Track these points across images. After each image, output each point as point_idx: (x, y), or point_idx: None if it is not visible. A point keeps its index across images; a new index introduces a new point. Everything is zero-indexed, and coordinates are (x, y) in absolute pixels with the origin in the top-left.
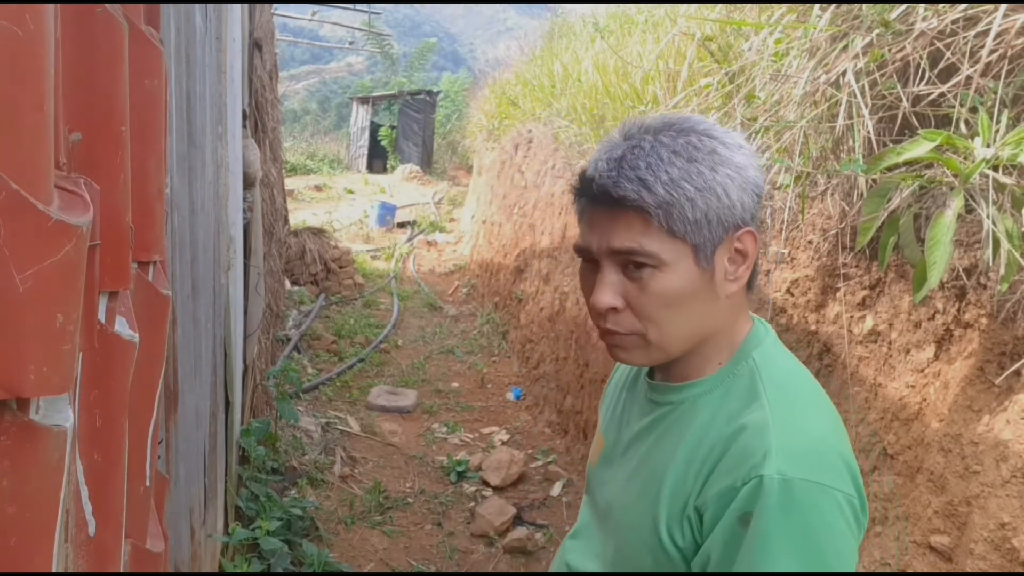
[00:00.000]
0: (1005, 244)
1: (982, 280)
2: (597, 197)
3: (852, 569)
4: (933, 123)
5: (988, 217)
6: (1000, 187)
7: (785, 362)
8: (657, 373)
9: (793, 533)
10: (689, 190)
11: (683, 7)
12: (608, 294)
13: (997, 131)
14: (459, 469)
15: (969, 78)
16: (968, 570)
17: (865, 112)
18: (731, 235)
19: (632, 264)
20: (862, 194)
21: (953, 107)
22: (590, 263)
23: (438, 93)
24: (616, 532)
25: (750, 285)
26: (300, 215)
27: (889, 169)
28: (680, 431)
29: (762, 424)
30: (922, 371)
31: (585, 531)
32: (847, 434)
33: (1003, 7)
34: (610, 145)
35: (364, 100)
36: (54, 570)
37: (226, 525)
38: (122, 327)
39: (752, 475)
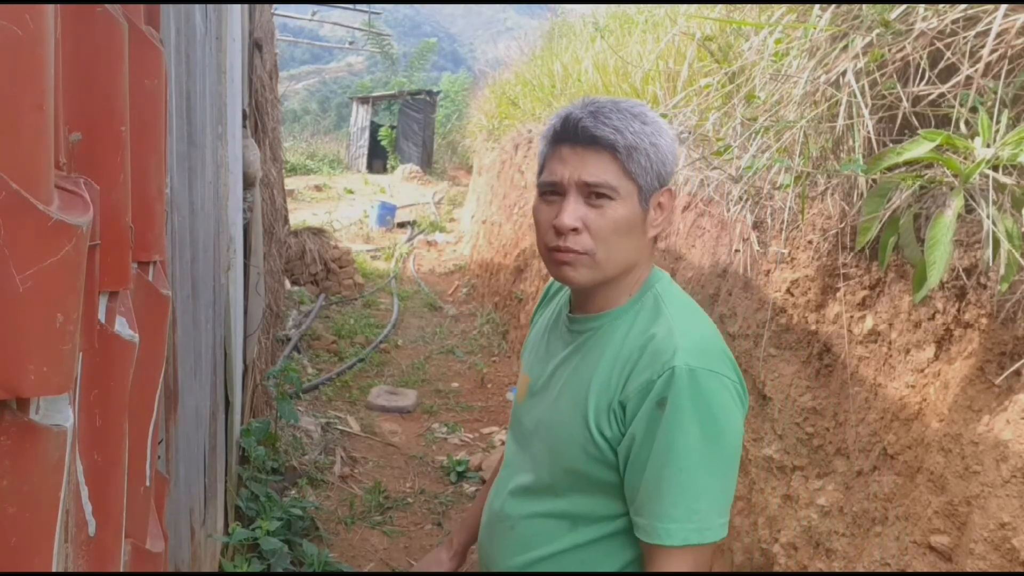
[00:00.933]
0: (1005, 244)
1: (982, 280)
2: (578, 136)
3: (740, 436)
4: (933, 123)
5: (988, 217)
6: (1000, 187)
7: (678, 292)
8: (576, 309)
9: (699, 410)
10: (646, 143)
11: (683, 7)
12: (573, 216)
13: (997, 131)
14: (459, 469)
15: (969, 78)
16: (968, 570)
17: (865, 112)
18: (660, 189)
19: (595, 194)
20: (862, 194)
21: (953, 107)
22: (552, 196)
23: (438, 93)
24: (547, 439)
25: (658, 238)
26: (300, 215)
27: (889, 169)
28: (600, 348)
29: (668, 332)
30: (922, 371)
31: (512, 460)
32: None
33: (1003, 7)
34: (580, 105)
35: (364, 100)
36: (54, 570)
37: (226, 525)
38: (122, 327)
39: (665, 368)
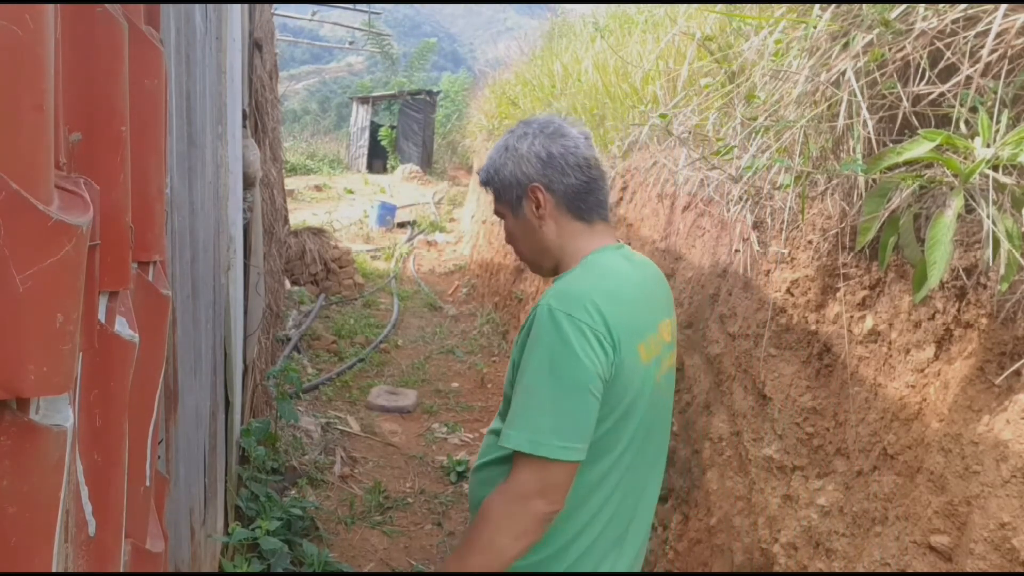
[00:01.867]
0: (1005, 244)
1: (982, 280)
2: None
3: (587, 372)
4: (933, 123)
5: (988, 217)
6: (1000, 187)
7: (600, 261)
8: None
9: (550, 342)
10: (495, 170)
11: (683, 7)
12: (506, 237)
13: (997, 131)
14: (459, 469)
15: (969, 78)
16: (968, 570)
17: (865, 112)
18: (525, 192)
19: (502, 219)
20: (862, 194)
21: (953, 107)
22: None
23: (438, 93)
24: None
25: (588, 218)
26: (300, 215)
27: (889, 169)
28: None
29: (554, 285)
30: (922, 371)
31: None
32: (622, 302)
33: (1003, 7)
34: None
35: (364, 100)
36: (54, 570)
37: (226, 525)
38: (122, 327)
39: (538, 307)
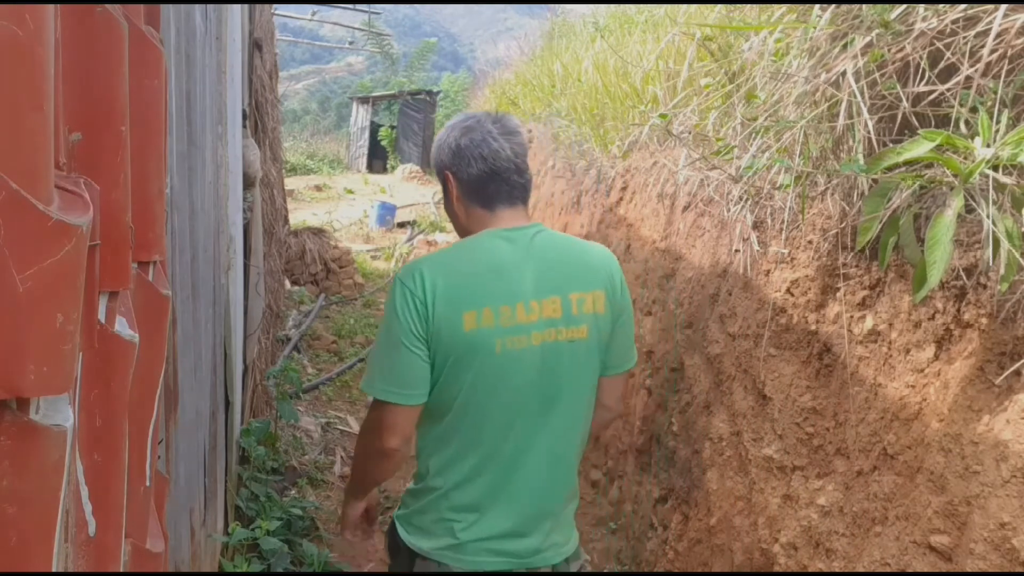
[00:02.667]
0: (1005, 244)
1: (982, 280)
2: None
3: (400, 325)
4: (933, 123)
5: (988, 217)
6: (1000, 187)
7: (476, 241)
8: None
9: (387, 301)
10: (431, 157)
11: (683, 7)
12: None
13: (997, 131)
14: None
15: (969, 78)
16: (968, 570)
17: (865, 112)
18: (444, 176)
19: None
20: (862, 194)
21: (953, 107)
22: None
23: (438, 93)
24: None
25: (488, 205)
26: (300, 215)
27: (889, 169)
28: None
29: None
30: (922, 371)
31: None
32: (458, 275)
33: (1003, 7)
34: None
35: (364, 100)
36: (54, 570)
37: (226, 525)
38: (122, 327)
39: None
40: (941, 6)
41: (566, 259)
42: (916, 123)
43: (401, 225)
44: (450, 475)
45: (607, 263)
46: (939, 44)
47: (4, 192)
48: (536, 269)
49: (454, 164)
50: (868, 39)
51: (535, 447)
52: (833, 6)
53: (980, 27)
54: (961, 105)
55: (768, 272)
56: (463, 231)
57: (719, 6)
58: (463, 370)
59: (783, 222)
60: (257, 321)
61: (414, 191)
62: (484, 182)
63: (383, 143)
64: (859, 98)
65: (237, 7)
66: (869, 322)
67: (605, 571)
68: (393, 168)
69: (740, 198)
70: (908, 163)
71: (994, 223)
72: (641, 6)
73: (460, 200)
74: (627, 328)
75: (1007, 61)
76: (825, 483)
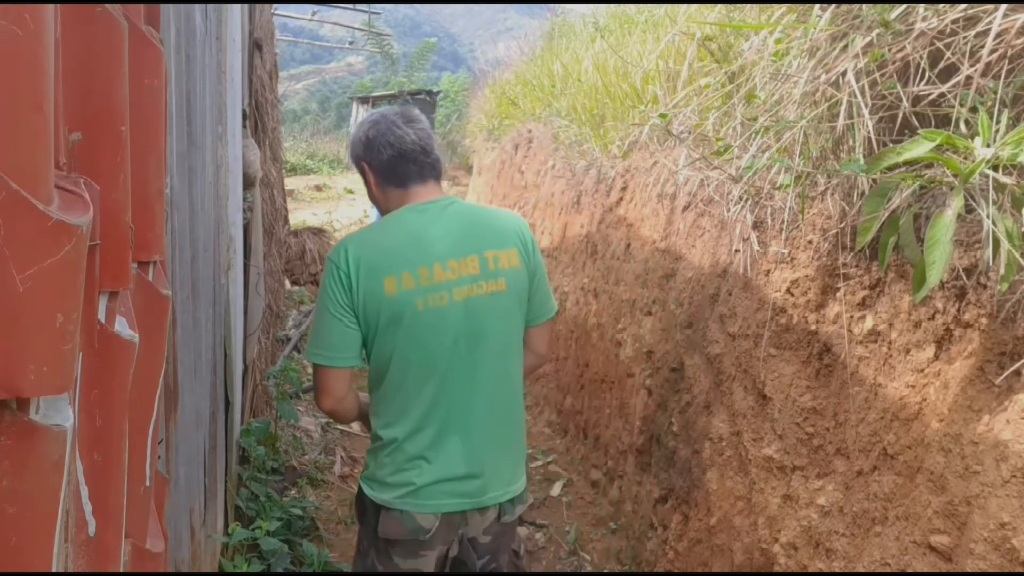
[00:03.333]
0: (1005, 244)
1: (982, 280)
2: None
3: (330, 298)
4: (933, 123)
5: (988, 217)
6: (1000, 187)
7: (393, 217)
8: None
9: (322, 276)
10: (350, 153)
11: (683, 7)
12: None
13: (997, 131)
14: None
15: (969, 78)
16: (968, 570)
17: (865, 112)
18: (361, 167)
19: None
20: (862, 194)
21: (953, 107)
22: None
23: (438, 93)
24: None
25: (402, 184)
26: (300, 215)
27: (889, 169)
28: None
29: None
30: (922, 371)
31: None
32: (376, 247)
33: (1003, 7)
34: None
35: (364, 100)
36: (54, 570)
37: (226, 525)
38: (122, 327)
39: None
40: (941, 6)
41: (479, 223)
42: (916, 123)
43: None
44: (399, 428)
45: (517, 225)
46: (939, 44)
47: (4, 192)
48: (451, 233)
49: (367, 154)
50: (868, 39)
51: (473, 394)
52: (833, 6)
53: (980, 27)
54: (961, 105)
55: (768, 272)
56: (386, 213)
57: (719, 6)
58: (393, 331)
59: (783, 222)
60: (257, 321)
61: None
62: (395, 165)
63: None
64: (859, 98)
65: (237, 7)
66: (869, 322)
67: (605, 571)
68: None
69: (740, 198)
70: (908, 163)
71: (994, 223)
72: (641, 6)
73: (378, 186)
74: (543, 283)
75: (1007, 61)
76: (825, 483)
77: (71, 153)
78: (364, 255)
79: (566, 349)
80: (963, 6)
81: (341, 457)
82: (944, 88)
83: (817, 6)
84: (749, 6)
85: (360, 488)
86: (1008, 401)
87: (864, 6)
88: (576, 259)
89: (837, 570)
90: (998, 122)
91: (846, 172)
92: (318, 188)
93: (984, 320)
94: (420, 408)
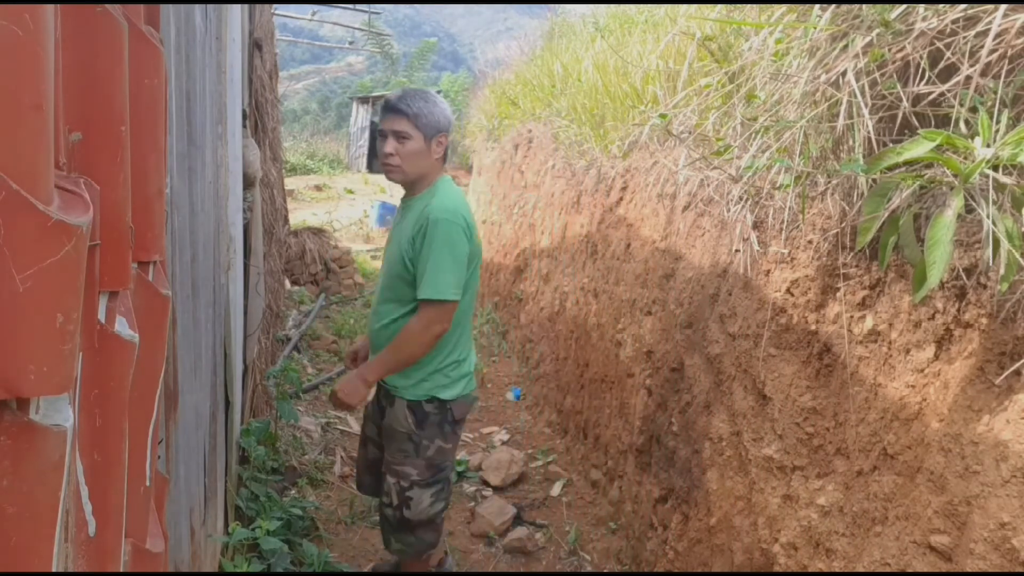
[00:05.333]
0: (1005, 244)
1: (982, 280)
2: (388, 109)
3: (465, 248)
4: (933, 123)
5: (988, 217)
6: (1000, 187)
7: (451, 188)
8: (404, 197)
9: (442, 235)
10: (426, 109)
11: (683, 7)
12: (391, 147)
13: (997, 131)
14: (459, 469)
15: (969, 78)
16: (968, 570)
17: (865, 112)
18: (438, 134)
19: (400, 136)
20: (862, 194)
21: (953, 107)
22: (382, 137)
23: (438, 93)
24: (386, 269)
25: (445, 159)
26: (300, 215)
27: (889, 169)
28: (412, 214)
29: (434, 203)
30: (922, 371)
31: (378, 285)
32: (469, 210)
33: (1003, 7)
34: (395, 94)
35: (364, 100)
36: (54, 570)
37: (226, 525)
38: (122, 327)
39: (429, 217)
40: (941, 6)
41: None
42: (916, 123)
43: None
44: (463, 346)
45: None
46: (939, 44)
47: (4, 192)
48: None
49: (449, 128)
50: (868, 39)
51: (469, 315)
52: (833, 6)
53: (980, 27)
54: (961, 105)
55: (768, 272)
56: (421, 173)
57: (719, 6)
58: (475, 273)
59: (783, 222)
60: (257, 321)
61: None
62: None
63: None
64: (859, 98)
65: (237, 7)
66: (869, 322)
67: (605, 571)
68: None
69: (740, 198)
70: (908, 163)
71: (994, 223)
72: (641, 6)
73: (438, 157)
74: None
75: (1007, 61)
76: (825, 483)
77: (71, 153)
78: (469, 214)
79: (566, 349)
80: (963, 6)
81: (341, 457)
82: (944, 88)
83: (817, 6)
84: (749, 6)
85: (429, 402)
86: (1008, 401)
87: (864, 6)
88: (576, 259)
89: (837, 570)
90: (998, 122)
91: (846, 172)
92: (318, 188)
93: (984, 320)
94: (468, 328)
